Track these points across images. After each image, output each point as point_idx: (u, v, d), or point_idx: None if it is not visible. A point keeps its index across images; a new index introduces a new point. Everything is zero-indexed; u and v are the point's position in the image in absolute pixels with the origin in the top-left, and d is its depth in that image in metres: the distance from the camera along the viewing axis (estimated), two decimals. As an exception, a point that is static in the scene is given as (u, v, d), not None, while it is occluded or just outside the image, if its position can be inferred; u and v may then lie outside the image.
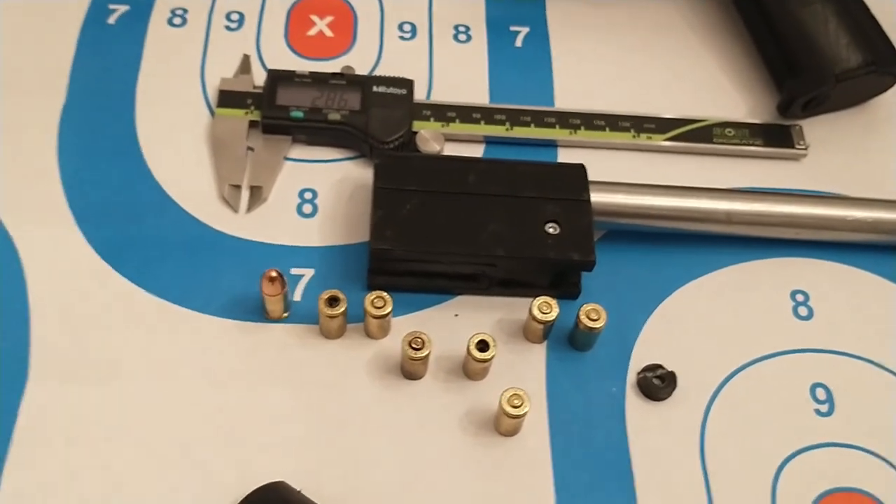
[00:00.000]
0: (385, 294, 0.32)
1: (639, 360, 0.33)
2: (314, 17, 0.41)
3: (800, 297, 0.36)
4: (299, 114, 0.36)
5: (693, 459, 0.32)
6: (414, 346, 0.31)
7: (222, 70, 0.39)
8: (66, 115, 0.37)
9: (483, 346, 0.31)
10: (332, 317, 0.32)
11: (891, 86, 0.40)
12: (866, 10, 0.39)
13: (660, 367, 0.33)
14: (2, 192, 0.35)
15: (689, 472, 0.31)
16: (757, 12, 0.40)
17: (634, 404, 0.32)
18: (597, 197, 0.34)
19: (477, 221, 0.33)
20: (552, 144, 0.38)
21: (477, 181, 0.34)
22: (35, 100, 0.37)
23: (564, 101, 0.40)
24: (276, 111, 0.37)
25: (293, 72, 0.38)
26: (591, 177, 0.35)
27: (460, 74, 0.40)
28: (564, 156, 0.38)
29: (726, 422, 0.32)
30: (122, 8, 0.40)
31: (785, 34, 0.39)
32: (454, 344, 0.32)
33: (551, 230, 0.33)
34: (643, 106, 0.40)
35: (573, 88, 0.40)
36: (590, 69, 0.41)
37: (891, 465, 0.32)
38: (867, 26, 0.39)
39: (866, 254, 0.37)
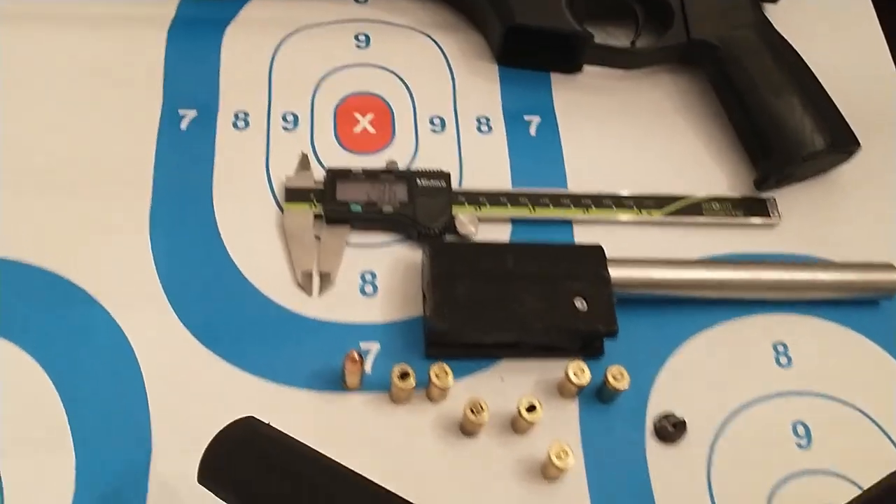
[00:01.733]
0: (447, 367, 0.38)
1: (654, 408, 0.41)
2: (357, 115, 0.47)
3: (780, 348, 0.43)
4: (358, 207, 0.43)
5: (702, 489, 0.39)
6: (474, 410, 0.38)
7: (284, 166, 0.45)
8: (154, 214, 0.43)
9: (531, 408, 0.38)
10: (403, 389, 0.38)
11: (846, 160, 0.47)
12: (826, 96, 0.47)
13: (672, 414, 0.40)
14: (107, 285, 0.41)
15: (700, 500, 0.39)
16: (735, 101, 0.47)
17: (653, 448, 0.40)
18: (613, 272, 0.41)
19: (517, 300, 0.40)
20: (568, 222, 0.45)
21: (514, 264, 0.41)
22: (126, 202, 0.43)
23: (575, 181, 0.46)
24: (338, 205, 0.43)
25: (349, 169, 0.44)
26: (605, 250, 0.42)
27: (485, 162, 0.47)
28: (579, 231, 0.45)
29: (727, 457, 0.40)
30: (191, 113, 0.46)
31: (759, 121, 0.46)
32: (502, 403, 0.39)
33: (579, 305, 0.40)
34: (643, 183, 0.46)
35: (582, 170, 0.47)
36: (594, 152, 0.48)
37: (859, 487, 0.39)
38: (827, 111, 0.46)
39: (835, 308, 0.44)
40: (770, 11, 0.50)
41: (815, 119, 0.46)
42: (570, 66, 0.49)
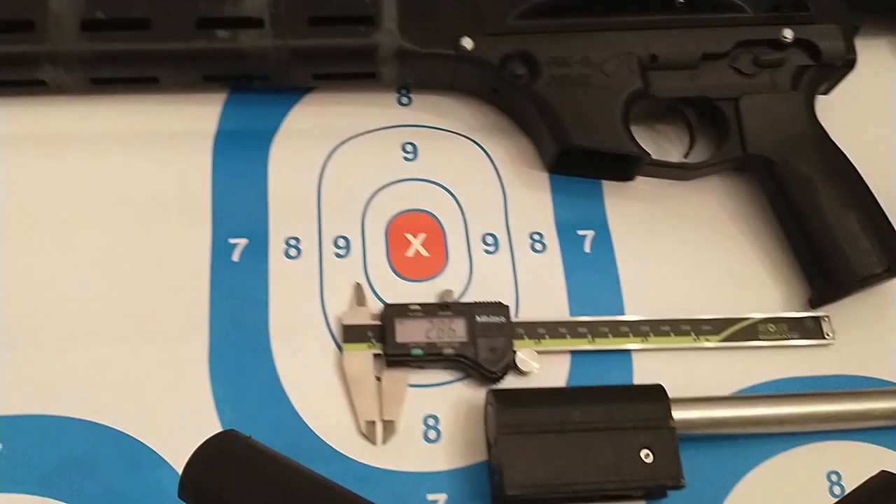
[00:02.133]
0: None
1: (719, 549, 0.41)
2: (409, 236, 0.47)
3: (833, 478, 0.44)
4: (419, 351, 0.42)
5: None
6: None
7: (339, 297, 0.44)
8: (212, 359, 0.42)
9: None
10: (476, 549, 0.39)
11: (898, 277, 0.47)
12: (881, 212, 0.46)
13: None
14: (171, 440, 0.40)
15: None
16: (790, 216, 0.47)
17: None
18: (675, 413, 0.41)
19: (586, 456, 0.40)
20: (628, 351, 0.45)
21: (580, 413, 0.41)
22: (184, 347, 0.42)
23: (632, 301, 0.46)
24: (398, 348, 0.43)
25: (406, 305, 0.43)
26: (663, 380, 0.42)
27: (542, 285, 0.46)
28: (638, 360, 0.45)
29: None
30: (242, 242, 0.45)
31: (815, 239, 0.46)
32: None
33: (645, 457, 0.40)
34: (698, 301, 0.46)
35: (638, 289, 0.47)
36: (649, 268, 0.47)
37: None
38: (883, 230, 0.46)
39: (889, 433, 0.45)
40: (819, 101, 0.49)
41: (873, 239, 0.45)
42: (624, 177, 0.48)
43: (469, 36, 0.46)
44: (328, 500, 0.31)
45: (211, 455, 0.31)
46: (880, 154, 0.52)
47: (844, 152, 0.47)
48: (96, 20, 0.44)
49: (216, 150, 0.47)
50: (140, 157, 0.46)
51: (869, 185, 0.47)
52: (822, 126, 0.48)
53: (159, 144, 0.47)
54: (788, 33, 0.48)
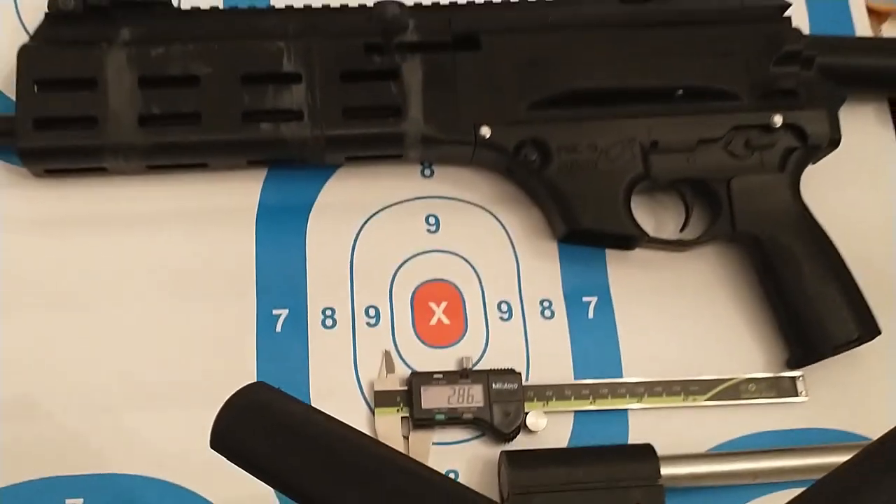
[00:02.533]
0: (528, 579, 0.46)
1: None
2: (432, 305, 0.52)
3: (804, 522, 0.50)
4: (441, 416, 0.49)
5: None
6: None
7: (371, 364, 0.50)
8: (261, 421, 0.49)
9: None
10: None
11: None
12: (855, 286, 0.52)
13: None
14: (231, 498, 0.47)
15: None
16: (773, 287, 0.52)
17: None
18: (663, 470, 0.48)
19: (587, 512, 0.46)
20: (625, 410, 0.51)
21: (583, 472, 0.47)
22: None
23: (630, 363, 0.52)
24: (424, 413, 0.49)
25: (430, 374, 0.49)
26: (655, 435, 0.48)
27: (550, 350, 0.52)
28: (634, 418, 0.51)
29: None
30: (284, 312, 0.51)
31: (794, 309, 0.51)
32: None
33: (637, 515, 0.47)
34: (689, 363, 0.52)
35: (635, 352, 0.52)
36: (646, 332, 0.53)
37: None
38: (856, 302, 0.51)
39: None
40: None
41: (846, 310, 0.51)
42: (626, 248, 0.54)
43: (487, 124, 0.51)
44: (356, 448, 0.31)
45: (241, 405, 0.32)
46: (863, 216, 0.57)
47: (825, 225, 0.53)
48: (152, 115, 0.49)
49: (258, 225, 0.52)
50: (189, 232, 0.52)
51: (853, 246, 0.53)
52: (805, 205, 0.53)
53: (206, 221, 0.52)
54: (778, 119, 0.52)
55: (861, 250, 0.54)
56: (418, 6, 0.53)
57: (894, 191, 0.57)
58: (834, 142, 0.53)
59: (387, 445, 0.33)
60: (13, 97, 0.50)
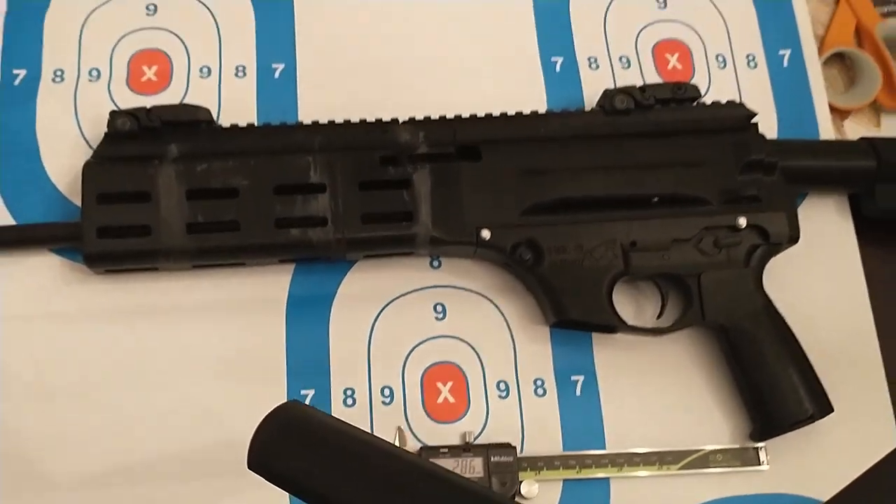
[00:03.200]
0: None
1: None
2: (440, 385, 0.60)
3: (763, 576, 0.58)
4: (447, 485, 0.56)
5: None
6: None
7: (385, 438, 0.58)
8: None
9: None
10: None
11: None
12: (811, 369, 0.59)
13: None
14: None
15: None
16: (739, 369, 0.60)
17: None
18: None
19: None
20: (606, 478, 0.59)
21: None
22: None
23: (613, 435, 0.59)
24: (431, 483, 0.56)
25: (437, 447, 0.57)
26: (633, 500, 0.56)
27: (542, 424, 0.59)
28: (615, 485, 0.58)
29: None
30: (310, 392, 0.59)
31: (757, 389, 0.59)
32: None
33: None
34: (664, 434, 0.60)
35: (617, 425, 0.60)
36: (627, 408, 0.60)
37: None
38: (811, 383, 0.59)
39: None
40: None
41: (803, 390, 0.58)
42: (609, 332, 0.61)
43: (487, 227, 0.59)
44: (392, 465, 0.32)
45: (276, 424, 0.33)
46: (820, 303, 0.64)
47: (787, 310, 0.60)
48: (197, 223, 0.57)
49: (288, 314, 0.60)
50: (228, 321, 0.59)
51: (810, 329, 0.60)
52: (767, 296, 0.60)
53: (243, 311, 0.60)
54: (742, 221, 0.60)
55: (817, 334, 0.61)
56: (427, 119, 0.61)
57: (851, 280, 0.64)
58: (793, 238, 0.61)
59: (423, 459, 0.33)
60: (77, 203, 0.58)
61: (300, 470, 0.32)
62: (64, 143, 0.62)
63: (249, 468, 0.33)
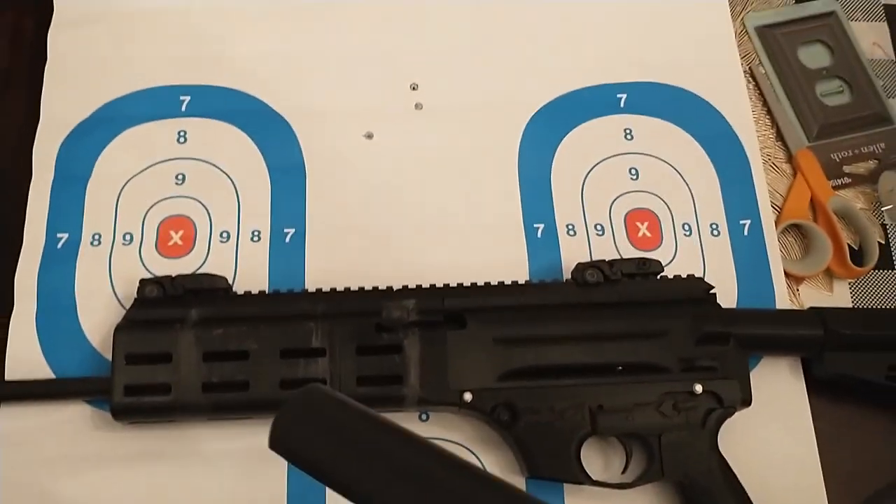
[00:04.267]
0: None
1: None
2: (424, 530, 0.66)
3: None
4: None
5: None
6: None
7: None
8: None
9: None
10: None
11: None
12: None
13: None
14: None
15: None
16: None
17: None
18: None
19: None
20: None
21: None
22: None
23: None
24: None
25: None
26: None
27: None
28: None
29: None
30: (309, 534, 0.65)
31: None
32: None
33: None
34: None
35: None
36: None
37: None
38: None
39: None
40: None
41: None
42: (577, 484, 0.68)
43: (469, 390, 0.66)
44: (414, 452, 0.32)
45: (298, 408, 0.33)
46: (773, 459, 0.70)
47: (741, 465, 0.66)
48: (212, 383, 0.65)
49: (290, 465, 0.67)
50: (236, 467, 0.66)
51: (763, 483, 0.66)
52: (721, 455, 0.66)
53: (250, 458, 0.67)
54: (699, 387, 0.67)
55: (769, 490, 0.67)
56: (419, 287, 0.69)
57: (801, 439, 0.71)
58: (745, 402, 0.67)
59: (444, 448, 0.33)
60: (108, 356, 0.66)
61: (320, 453, 0.33)
62: (98, 302, 0.70)
63: (270, 448, 0.34)
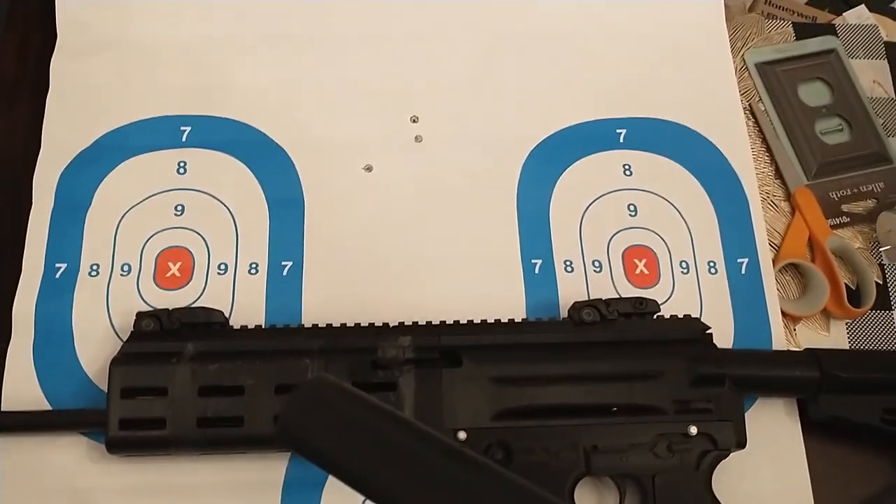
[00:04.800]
0: None
1: None
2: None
3: None
4: None
5: None
6: None
7: None
8: None
9: None
10: None
11: None
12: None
13: None
14: None
15: None
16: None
17: None
18: None
19: None
20: None
21: None
22: None
23: None
24: None
25: None
26: None
27: None
28: None
29: None
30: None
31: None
32: None
33: None
34: None
35: None
36: None
37: None
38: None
39: None
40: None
41: None
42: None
43: (463, 429, 0.66)
44: (423, 445, 0.32)
45: (305, 400, 0.33)
46: (768, 498, 0.70)
47: (735, 509, 0.66)
48: (208, 418, 0.65)
49: (283, 499, 0.67)
50: (225, 503, 0.67)
51: None
52: (716, 497, 0.66)
53: (242, 492, 0.67)
54: (693, 429, 0.67)
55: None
56: (415, 325, 0.69)
57: (796, 480, 0.71)
58: (740, 445, 0.67)
59: (450, 440, 0.33)
60: (104, 387, 0.66)
61: (330, 443, 0.32)
62: (95, 334, 0.70)
63: (277, 440, 0.34)
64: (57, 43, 0.80)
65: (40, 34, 0.81)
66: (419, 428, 0.34)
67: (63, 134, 0.76)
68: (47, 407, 0.68)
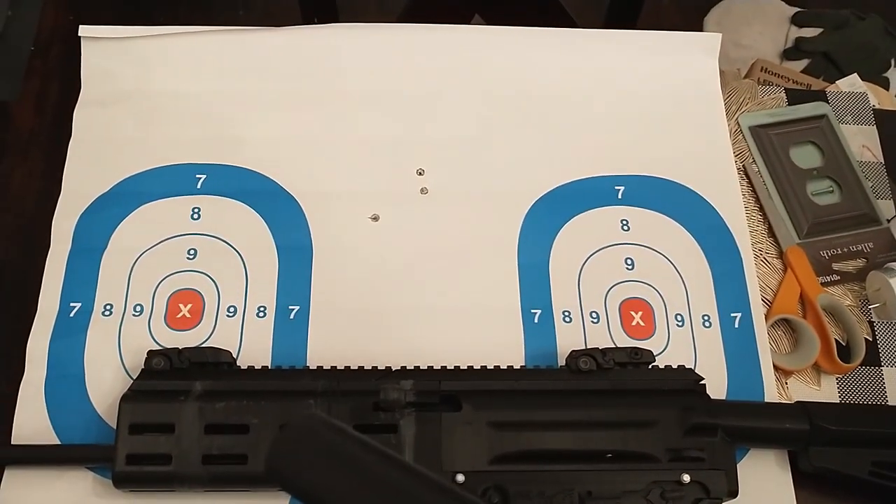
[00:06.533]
0: None
1: None
2: None
3: None
4: None
5: None
6: None
7: None
8: None
9: None
10: None
11: None
12: None
13: None
14: None
15: None
16: None
17: None
18: None
19: None
20: None
21: None
22: None
23: None
24: None
25: None
26: None
27: None
28: None
29: None
30: None
31: None
32: None
33: None
34: None
35: None
36: None
37: None
38: None
39: None
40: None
41: None
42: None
43: (461, 472, 0.67)
44: (412, 483, 0.32)
45: (295, 437, 0.33)
46: None
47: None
48: (213, 455, 0.66)
49: (284, 539, 0.69)
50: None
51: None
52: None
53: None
54: (686, 477, 0.68)
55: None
56: (417, 369, 0.71)
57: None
58: (732, 493, 0.69)
59: (439, 477, 0.33)
60: (113, 424, 0.67)
61: (316, 480, 0.32)
62: (106, 372, 0.72)
63: (266, 476, 0.35)
64: (81, 92, 0.83)
65: (57, 84, 0.85)
66: (407, 465, 0.34)
67: (82, 180, 0.80)
68: (56, 442, 0.70)
